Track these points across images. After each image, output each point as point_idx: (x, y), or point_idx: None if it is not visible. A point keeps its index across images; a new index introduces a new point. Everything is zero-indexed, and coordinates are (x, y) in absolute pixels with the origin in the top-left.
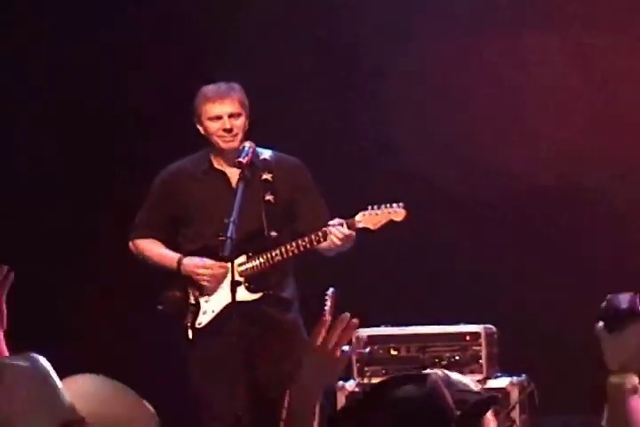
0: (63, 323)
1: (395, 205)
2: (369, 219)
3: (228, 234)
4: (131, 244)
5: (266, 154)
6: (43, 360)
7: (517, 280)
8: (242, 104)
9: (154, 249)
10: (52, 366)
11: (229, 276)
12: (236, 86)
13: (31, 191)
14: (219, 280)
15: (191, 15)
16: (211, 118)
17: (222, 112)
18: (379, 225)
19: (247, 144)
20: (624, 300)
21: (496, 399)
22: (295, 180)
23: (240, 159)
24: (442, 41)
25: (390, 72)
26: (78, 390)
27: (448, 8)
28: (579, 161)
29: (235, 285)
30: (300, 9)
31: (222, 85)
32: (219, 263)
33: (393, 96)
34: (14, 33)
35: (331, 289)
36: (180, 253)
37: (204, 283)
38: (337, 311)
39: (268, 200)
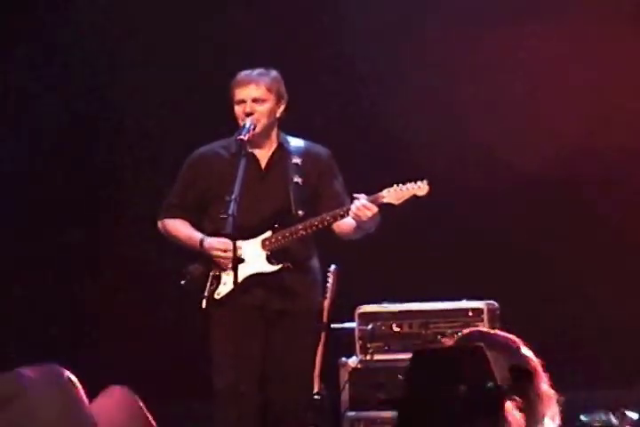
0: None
1: (419, 181)
2: (393, 194)
3: (230, 212)
4: (159, 224)
5: (297, 141)
6: (64, 374)
7: (520, 256)
8: (270, 90)
9: (182, 230)
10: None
11: (253, 249)
12: (272, 73)
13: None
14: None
15: None
16: (236, 102)
17: (246, 96)
18: (401, 200)
19: (248, 121)
20: None
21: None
22: (323, 166)
23: (241, 136)
24: (444, 34)
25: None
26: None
27: (450, 3)
28: (579, 151)
29: (236, 262)
30: None
31: (256, 70)
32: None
33: (395, 88)
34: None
35: (333, 266)
36: (206, 233)
37: (222, 264)
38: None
39: (297, 182)
